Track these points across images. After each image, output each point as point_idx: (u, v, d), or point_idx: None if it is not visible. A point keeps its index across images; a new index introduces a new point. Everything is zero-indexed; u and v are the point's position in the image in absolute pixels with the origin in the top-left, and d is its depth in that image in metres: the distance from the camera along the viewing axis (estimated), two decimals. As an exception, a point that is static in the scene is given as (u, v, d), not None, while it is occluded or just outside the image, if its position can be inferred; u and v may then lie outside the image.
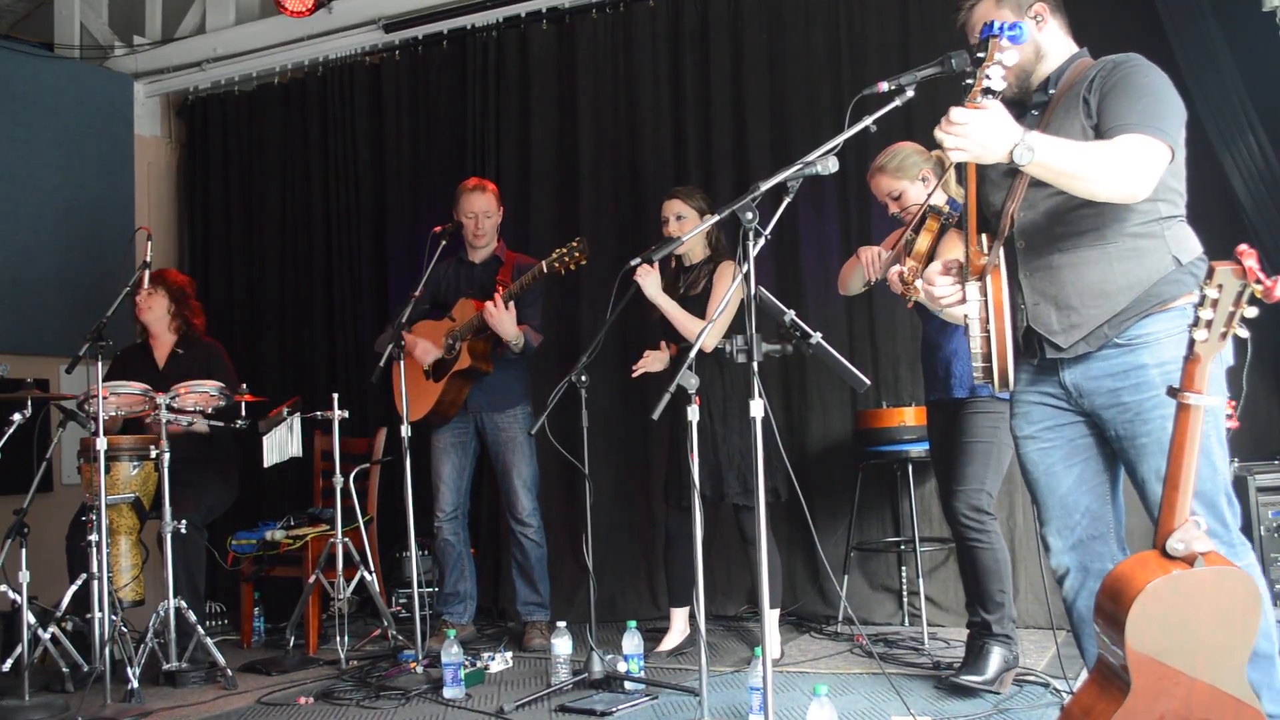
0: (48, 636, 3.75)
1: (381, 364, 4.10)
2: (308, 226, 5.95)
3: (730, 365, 3.84)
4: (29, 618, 3.64)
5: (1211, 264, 1.89)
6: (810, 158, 2.40)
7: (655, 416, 2.63)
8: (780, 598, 4.14)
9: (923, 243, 3.24)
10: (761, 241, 2.40)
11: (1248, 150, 3.91)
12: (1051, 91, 2.37)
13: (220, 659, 3.85)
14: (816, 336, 2.58)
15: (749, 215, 2.38)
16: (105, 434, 3.76)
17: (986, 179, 2.40)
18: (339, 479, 4.17)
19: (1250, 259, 1.86)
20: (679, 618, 4.09)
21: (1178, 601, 1.94)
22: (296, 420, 4.27)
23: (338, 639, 4.12)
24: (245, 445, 4.49)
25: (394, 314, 4.52)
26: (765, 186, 2.44)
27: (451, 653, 3.52)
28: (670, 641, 4.06)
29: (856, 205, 4.69)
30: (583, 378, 3.59)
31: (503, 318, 4.10)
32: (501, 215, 4.50)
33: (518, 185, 5.32)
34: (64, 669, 3.80)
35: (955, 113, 2.05)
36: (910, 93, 2.46)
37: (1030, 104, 2.40)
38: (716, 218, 2.85)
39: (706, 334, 2.90)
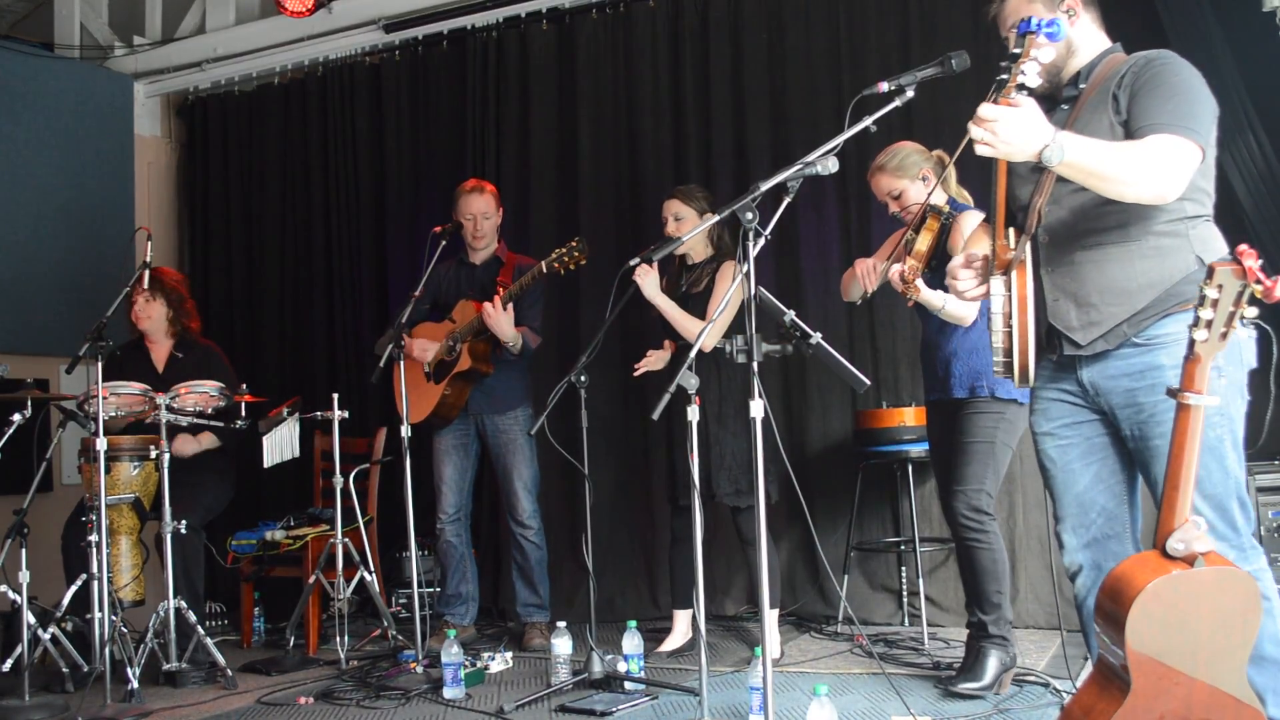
0: (48, 637, 3.75)
1: (381, 364, 4.11)
2: (308, 226, 5.95)
3: (728, 366, 3.85)
4: (29, 618, 3.63)
5: (1211, 264, 1.89)
6: (810, 158, 2.40)
7: (655, 416, 2.63)
8: (779, 598, 4.15)
9: (923, 242, 3.24)
10: (761, 241, 2.40)
11: (1248, 150, 3.91)
12: (1082, 86, 2.33)
13: (220, 659, 3.85)
14: (816, 336, 2.58)
15: (749, 215, 2.38)
16: (106, 434, 3.76)
17: (1014, 174, 2.37)
18: (339, 479, 4.17)
19: (1250, 259, 1.86)
20: (681, 619, 4.09)
21: (1178, 601, 1.94)
22: (296, 420, 4.27)
23: (338, 639, 4.12)
24: (245, 445, 4.49)
25: (394, 314, 4.52)
26: (765, 186, 2.44)
27: (451, 653, 3.52)
28: (672, 643, 4.06)
29: (856, 205, 4.69)
30: (582, 378, 3.59)
31: (500, 319, 4.10)
32: (501, 216, 4.50)
33: (518, 185, 5.32)
34: (64, 669, 3.80)
35: (986, 109, 2.02)
36: (910, 93, 2.47)
37: (1059, 98, 2.37)
38: (716, 218, 2.85)
39: (706, 335, 2.89)
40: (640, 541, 5.01)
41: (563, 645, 3.59)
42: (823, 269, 4.76)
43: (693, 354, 2.75)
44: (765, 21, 4.94)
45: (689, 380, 2.71)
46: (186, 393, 4.00)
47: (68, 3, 6.32)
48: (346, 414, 4.24)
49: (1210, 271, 1.89)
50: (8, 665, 3.71)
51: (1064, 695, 3.16)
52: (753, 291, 2.41)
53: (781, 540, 4.66)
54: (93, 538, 3.73)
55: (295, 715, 3.47)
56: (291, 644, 4.22)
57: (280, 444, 4.24)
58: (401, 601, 5.02)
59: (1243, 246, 1.90)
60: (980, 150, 2.06)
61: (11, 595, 3.68)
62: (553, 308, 4.83)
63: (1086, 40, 2.36)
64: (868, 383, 2.64)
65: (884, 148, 3.48)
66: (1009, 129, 2.01)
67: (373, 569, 4.39)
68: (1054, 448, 2.40)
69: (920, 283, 3.10)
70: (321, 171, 5.92)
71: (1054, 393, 2.40)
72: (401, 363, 4.05)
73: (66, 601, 3.82)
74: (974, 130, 2.04)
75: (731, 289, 2.77)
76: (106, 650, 3.64)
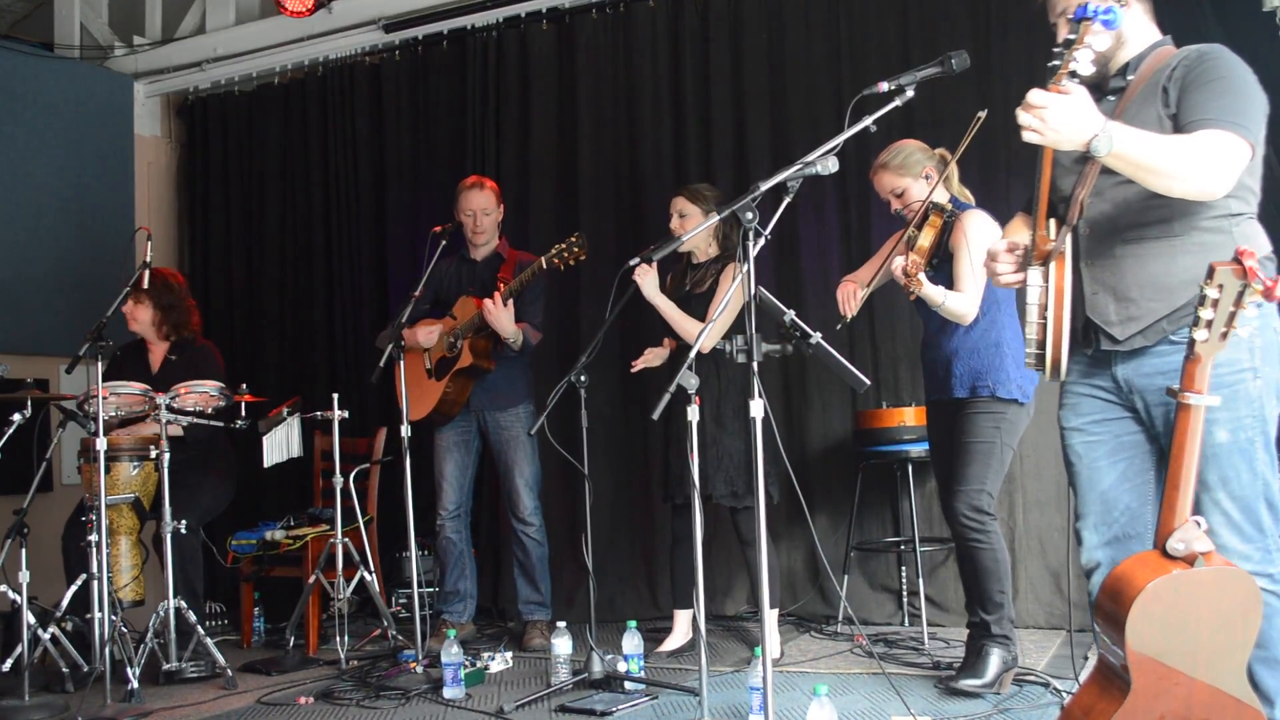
0: (48, 636, 3.75)
1: (381, 364, 4.11)
2: (308, 226, 5.95)
3: (728, 367, 3.85)
4: (29, 618, 3.64)
5: (1212, 264, 1.89)
6: (810, 157, 2.39)
7: (655, 416, 2.63)
8: (779, 598, 4.14)
9: (926, 238, 3.25)
10: (761, 241, 2.40)
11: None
12: (1130, 78, 2.29)
13: (220, 659, 3.85)
14: (816, 336, 2.58)
15: (749, 215, 2.38)
16: (106, 434, 3.76)
17: (1057, 164, 2.31)
18: (339, 479, 4.17)
19: (1251, 259, 1.86)
20: (682, 619, 4.09)
21: (1178, 601, 1.94)
22: (296, 420, 4.27)
23: (338, 639, 4.12)
24: (245, 445, 4.48)
25: (394, 314, 4.52)
26: (765, 186, 2.43)
27: (451, 653, 3.53)
28: (672, 643, 4.06)
29: (856, 205, 4.69)
30: (582, 377, 3.59)
31: (501, 315, 4.10)
32: (502, 213, 4.50)
33: (517, 185, 5.32)
34: (64, 669, 3.80)
35: (1036, 95, 1.99)
36: (910, 93, 2.46)
37: (1106, 89, 2.31)
38: (717, 218, 2.86)
39: (705, 336, 2.89)
40: (640, 541, 5.01)
41: (563, 645, 3.59)
42: (823, 269, 4.75)
43: (692, 354, 2.75)
44: (765, 21, 4.94)
45: (689, 380, 2.71)
46: (186, 392, 4.00)
47: (68, 3, 6.32)
48: (346, 414, 4.24)
49: (1210, 271, 1.89)
50: (8, 665, 3.71)
51: (1064, 695, 3.16)
52: (753, 291, 2.41)
53: (781, 540, 4.66)
54: (92, 538, 3.72)
55: (295, 715, 3.47)
56: (291, 644, 4.22)
57: (280, 444, 4.25)
58: (401, 601, 5.02)
59: (1243, 246, 1.90)
60: (1027, 137, 2.03)
61: (11, 595, 3.68)
62: (553, 307, 4.83)
63: (1137, 31, 2.31)
64: (868, 383, 2.64)
65: (884, 147, 3.48)
66: (1058, 116, 1.98)
67: (373, 569, 4.39)
68: (1081, 443, 2.37)
69: (922, 276, 3.09)
70: (321, 171, 5.92)
71: (1085, 388, 2.36)
72: (401, 362, 4.05)
73: (66, 601, 3.82)
74: (1022, 117, 2.00)
75: (732, 289, 2.77)
76: (106, 650, 3.64)
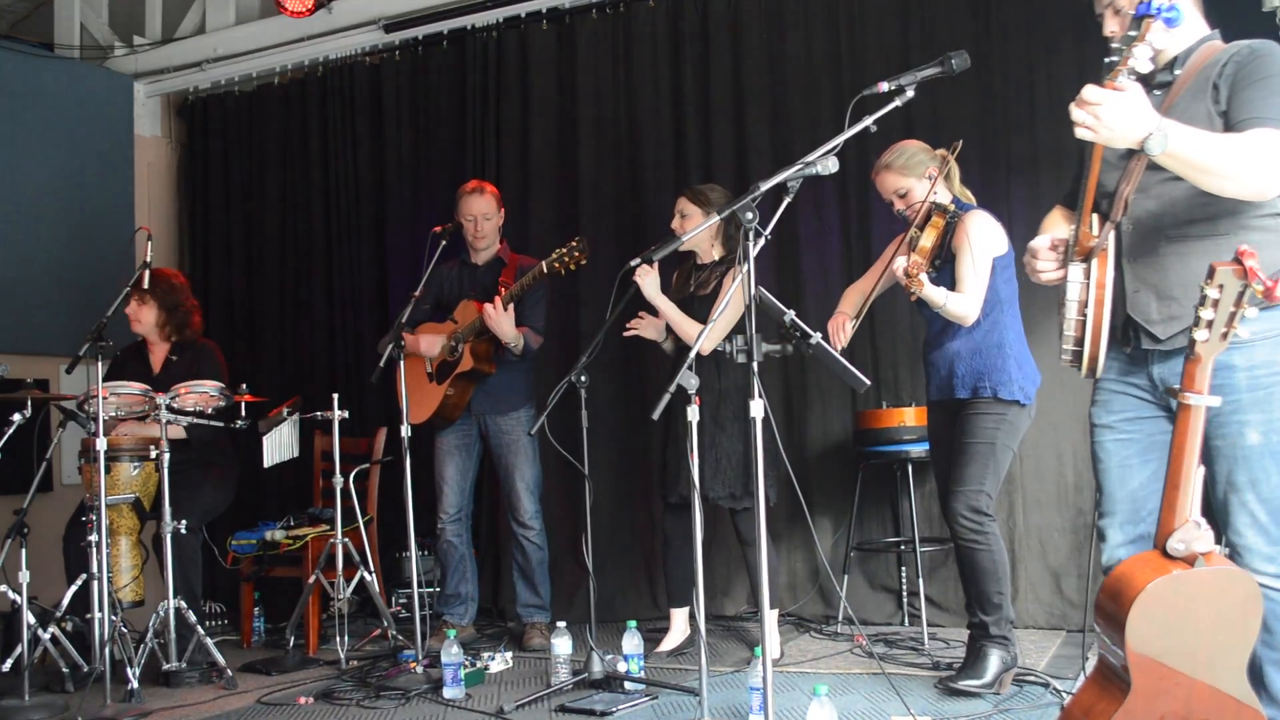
0: (48, 637, 3.75)
1: (381, 364, 4.11)
2: (308, 227, 5.95)
3: (728, 368, 3.85)
4: (29, 618, 3.64)
5: (1212, 264, 1.89)
6: (810, 158, 2.39)
7: (655, 416, 2.63)
8: (779, 598, 4.14)
9: (928, 238, 3.25)
10: (762, 241, 2.40)
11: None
12: (1177, 73, 2.25)
13: (220, 659, 3.86)
14: (816, 336, 2.57)
15: (749, 215, 2.38)
16: (106, 434, 3.76)
17: (1103, 159, 2.27)
18: (339, 479, 4.17)
19: (1251, 259, 1.86)
20: (679, 618, 4.09)
21: (1178, 602, 1.94)
22: (296, 420, 4.27)
23: (337, 639, 4.12)
24: (245, 445, 4.48)
25: (395, 314, 4.52)
26: (765, 187, 2.44)
27: (451, 653, 3.53)
28: (670, 642, 4.06)
29: (856, 205, 4.69)
30: (582, 378, 3.59)
31: (501, 320, 4.10)
32: (503, 217, 4.50)
33: (517, 186, 5.32)
34: (64, 669, 3.80)
35: (1091, 92, 1.97)
36: (910, 93, 2.46)
37: (1152, 83, 2.26)
38: (717, 218, 2.86)
39: (705, 337, 2.89)
40: (640, 541, 5.01)
41: (562, 645, 3.59)
42: (822, 269, 4.76)
43: (691, 355, 2.75)
44: (765, 22, 4.94)
45: (689, 380, 2.71)
46: (186, 393, 4.00)
47: (68, 3, 6.32)
48: (346, 414, 4.24)
49: (1211, 271, 1.89)
50: (8, 665, 3.71)
51: (1064, 695, 3.16)
52: (753, 291, 2.41)
53: (781, 540, 4.65)
54: (92, 538, 3.72)
55: (295, 715, 3.47)
56: (291, 644, 4.22)
57: (280, 444, 4.24)
58: (401, 601, 5.02)
59: (1244, 246, 1.90)
60: (1080, 134, 2.00)
61: (11, 595, 3.68)
62: (553, 308, 4.83)
63: (1185, 25, 2.27)
64: (867, 383, 2.63)
65: (885, 148, 3.48)
66: (1113, 114, 1.96)
67: (372, 569, 4.39)
68: (1113, 441, 2.34)
69: (924, 277, 3.09)
70: (322, 171, 5.92)
71: (1121, 386, 2.33)
72: (402, 363, 4.05)
73: (66, 601, 3.82)
74: (1076, 114, 1.98)
75: (732, 289, 2.77)
76: (106, 650, 3.64)
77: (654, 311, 3.99)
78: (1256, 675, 2.15)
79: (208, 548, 4.47)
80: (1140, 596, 1.92)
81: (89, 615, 3.73)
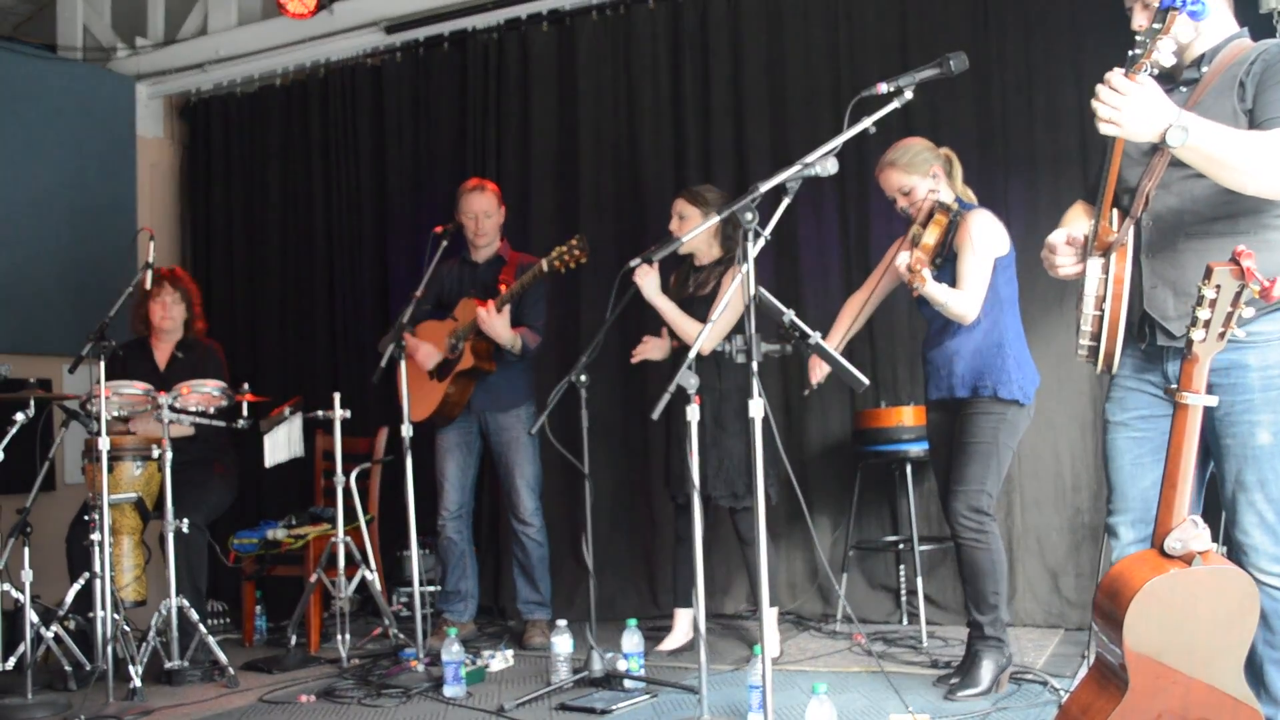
0: (50, 635, 3.76)
1: (383, 364, 4.12)
2: (309, 227, 5.95)
3: (728, 368, 3.86)
4: (32, 616, 3.64)
5: (1210, 264, 1.90)
6: (810, 159, 2.41)
7: (655, 416, 2.64)
8: (778, 597, 4.15)
9: (930, 236, 3.26)
10: (761, 242, 2.41)
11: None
12: (1204, 70, 2.24)
13: (222, 657, 3.87)
14: (815, 336, 2.58)
15: (749, 216, 2.39)
16: (109, 434, 3.77)
17: (1125, 155, 2.27)
18: (340, 478, 4.19)
19: (1249, 259, 1.87)
20: (683, 618, 4.09)
21: (1175, 601, 1.95)
22: (298, 420, 4.28)
23: (339, 637, 4.13)
24: (246, 445, 4.49)
25: (396, 314, 4.54)
26: (765, 187, 2.45)
27: (452, 651, 3.54)
28: (672, 642, 4.07)
29: (855, 206, 4.70)
30: (583, 378, 3.60)
31: (495, 322, 4.11)
32: (503, 215, 4.51)
33: (518, 186, 5.32)
34: (67, 668, 3.81)
35: (1117, 80, 1.96)
36: (909, 94, 2.47)
37: (1178, 79, 2.27)
38: (716, 219, 2.87)
39: (705, 337, 2.90)
40: (640, 541, 5.02)
41: (563, 643, 3.60)
42: (822, 269, 4.77)
43: (691, 355, 2.76)
44: (765, 22, 4.94)
45: (689, 380, 2.72)
46: (188, 392, 4.01)
47: (70, 4, 6.32)
48: (348, 413, 4.25)
49: (1208, 271, 1.90)
50: (11, 664, 3.71)
51: (1062, 694, 3.17)
52: (752, 292, 2.42)
53: (781, 539, 4.66)
54: (95, 537, 3.74)
55: (297, 713, 3.49)
56: (293, 642, 4.23)
57: (282, 443, 4.25)
58: (402, 600, 5.03)
59: (1241, 246, 1.91)
60: (1103, 129, 2.00)
61: (14, 594, 3.69)
62: (553, 308, 4.84)
63: (1213, 23, 2.25)
64: (866, 382, 2.64)
65: (884, 148, 3.48)
66: (1136, 107, 1.95)
67: (374, 568, 4.40)
68: (1126, 439, 2.33)
69: (926, 273, 3.10)
70: (323, 172, 5.93)
71: (1136, 383, 2.32)
72: (403, 362, 4.06)
73: (69, 600, 3.83)
74: (1100, 108, 1.98)
75: (732, 289, 2.78)
76: (109, 649, 3.66)
77: (654, 312, 3.99)
78: (1256, 674, 2.16)
79: (210, 546, 4.48)
80: (1138, 595, 1.93)
81: (91, 614, 3.74)
